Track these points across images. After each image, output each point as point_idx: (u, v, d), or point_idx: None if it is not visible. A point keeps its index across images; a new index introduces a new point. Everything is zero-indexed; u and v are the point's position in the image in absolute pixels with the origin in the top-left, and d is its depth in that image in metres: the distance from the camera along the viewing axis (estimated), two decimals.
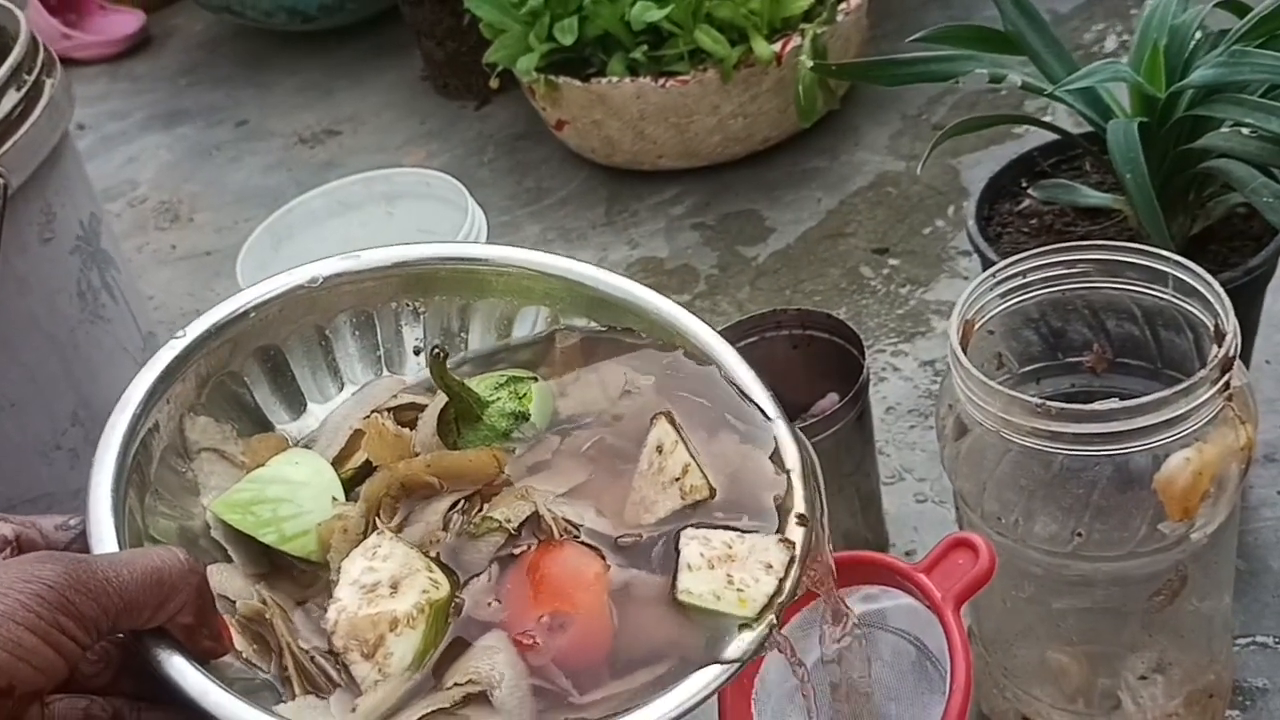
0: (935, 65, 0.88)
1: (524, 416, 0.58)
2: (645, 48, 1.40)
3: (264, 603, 0.50)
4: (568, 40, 1.39)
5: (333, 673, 0.48)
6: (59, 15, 2.17)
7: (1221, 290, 0.68)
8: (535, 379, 0.60)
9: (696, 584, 0.50)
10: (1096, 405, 0.65)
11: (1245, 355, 0.97)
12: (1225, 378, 0.65)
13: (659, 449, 0.55)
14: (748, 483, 0.55)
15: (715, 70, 1.37)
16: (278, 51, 2.04)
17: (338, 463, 0.56)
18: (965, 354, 0.71)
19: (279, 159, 1.78)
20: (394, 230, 1.13)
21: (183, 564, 0.44)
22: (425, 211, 1.14)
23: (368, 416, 0.58)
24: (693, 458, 0.55)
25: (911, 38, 0.91)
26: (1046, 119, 1.30)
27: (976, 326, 0.73)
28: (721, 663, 0.48)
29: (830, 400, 0.96)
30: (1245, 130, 0.82)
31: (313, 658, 0.48)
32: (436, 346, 0.57)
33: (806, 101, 1.32)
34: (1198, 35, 0.88)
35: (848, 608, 0.61)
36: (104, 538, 0.47)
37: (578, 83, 1.42)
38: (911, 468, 1.07)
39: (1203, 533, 0.68)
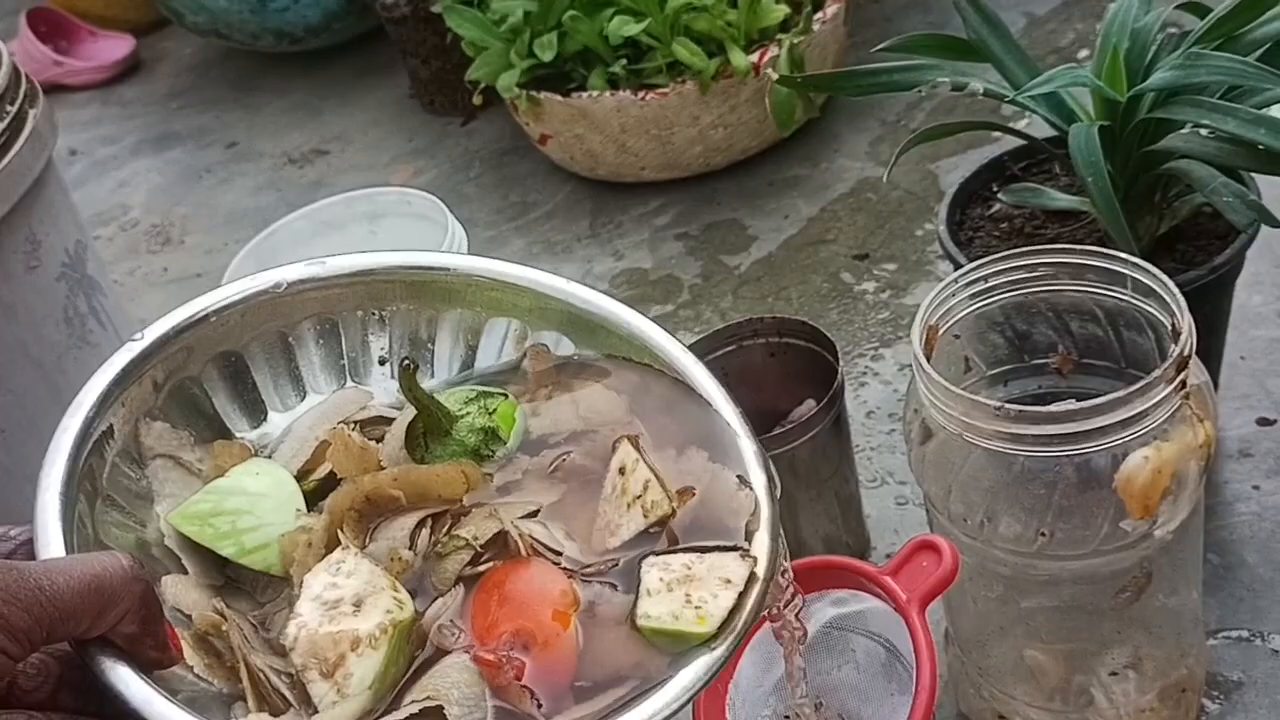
0: (899, 75, 0.89)
1: (493, 432, 0.57)
2: (624, 62, 1.42)
3: (222, 615, 0.49)
4: (547, 56, 1.41)
5: (287, 692, 0.47)
6: (50, 42, 2.19)
7: (1176, 290, 0.69)
8: (505, 395, 0.59)
9: (655, 608, 0.50)
10: (1054, 407, 0.66)
11: (1217, 351, 0.98)
12: (1181, 376, 0.66)
13: (621, 471, 0.55)
14: (714, 502, 0.54)
15: (694, 82, 1.39)
16: (266, 73, 2.06)
17: (301, 474, 0.55)
18: (930, 359, 0.72)
19: (268, 179, 1.79)
20: (377, 249, 1.14)
21: (125, 571, 0.42)
22: (407, 229, 1.15)
23: (334, 428, 0.57)
24: (654, 474, 0.54)
25: (876, 48, 0.92)
26: (1023, 123, 1.32)
27: (941, 331, 0.74)
28: (683, 682, 0.48)
29: (808, 406, 0.97)
30: (1204, 131, 0.83)
31: (267, 676, 0.48)
32: (407, 359, 0.56)
33: (782, 112, 1.34)
34: (1160, 37, 0.89)
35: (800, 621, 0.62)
36: (50, 545, 0.45)
37: (559, 98, 1.43)
38: (893, 471, 1.08)
39: (1165, 530, 0.69)
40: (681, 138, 1.44)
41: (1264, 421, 1.02)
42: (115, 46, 2.22)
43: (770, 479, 0.55)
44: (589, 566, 0.53)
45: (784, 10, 1.41)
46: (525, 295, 0.60)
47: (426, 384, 0.59)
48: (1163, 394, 0.65)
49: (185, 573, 0.51)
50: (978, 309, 0.76)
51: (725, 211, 1.46)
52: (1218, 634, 0.88)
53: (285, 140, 1.88)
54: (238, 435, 0.58)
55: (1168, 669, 0.79)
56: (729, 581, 0.51)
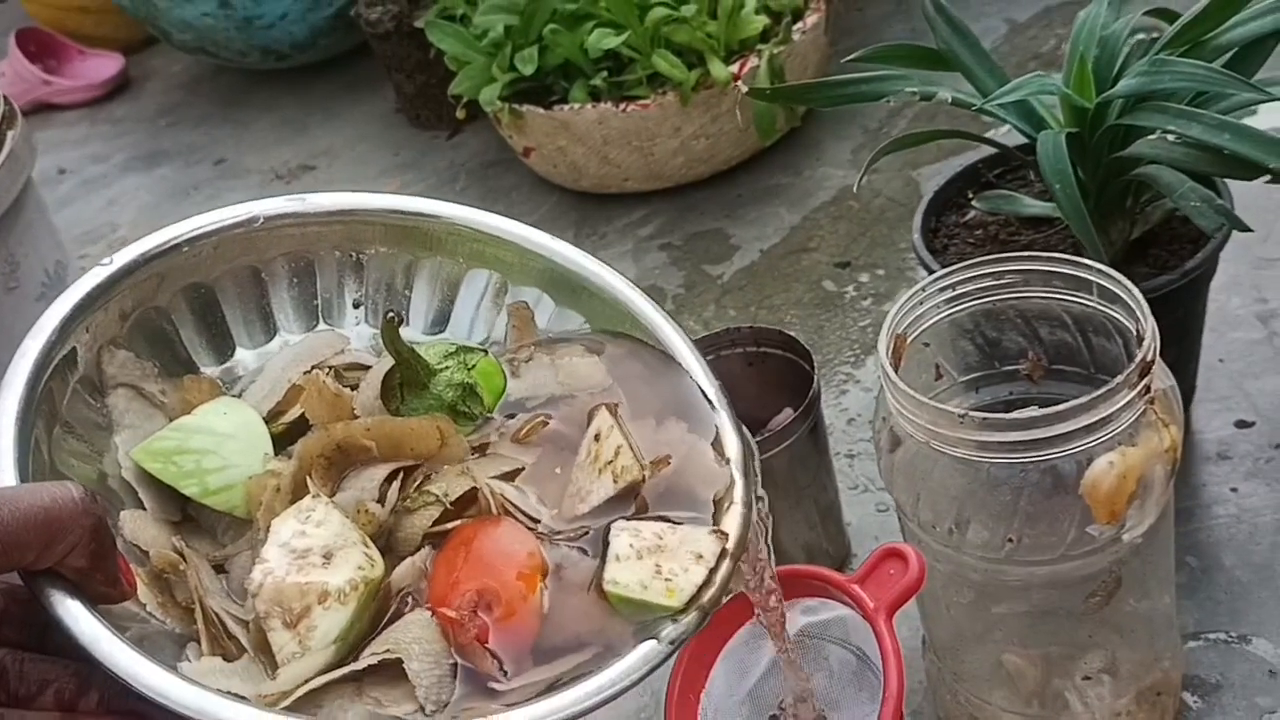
0: (869, 85, 0.90)
1: (471, 389, 0.56)
2: (605, 74, 1.42)
3: (181, 556, 0.48)
4: (529, 70, 1.42)
5: (242, 637, 0.46)
6: (39, 62, 2.20)
7: (1140, 295, 0.69)
8: (485, 352, 0.58)
9: (623, 574, 0.49)
10: (1017, 413, 0.66)
11: (1193, 354, 0.99)
12: (1145, 381, 0.66)
13: (596, 437, 0.54)
14: (689, 473, 0.54)
15: (675, 93, 1.39)
16: (254, 90, 2.07)
17: (271, 416, 0.54)
18: (900, 367, 0.72)
19: (256, 196, 1.79)
20: None
21: (76, 503, 0.41)
22: None
23: (309, 372, 0.55)
24: (627, 441, 0.53)
25: (846, 59, 0.92)
26: (1002, 130, 1.32)
27: (910, 339, 0.75)
28: (644, 651, 0.47)
29: (786, 415, 0.98)
30: (1171, 137, 0.84)
31: (223, 620, 0.46)
32: (391, 311, 0.55)
33: (764, 121, 1.34)
34: (1130, 43, 0.89)
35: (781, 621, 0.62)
36: (4, 471, 0.44)
37: (541, 110, 1.44)
38: (873, 478, 1.08)
39: (1133, 535, 0.69)
40: (663, 149, 1.44)
41: (1242, 424, 1.02)
42: (104, 65, 2.23)
43: (748, 450, 0.54)
44: (559, 533, 0.52)
45: (764, 21, 1.42)
46: (509, 249, 0.60)
47: (402, 331, 0.58)
48: (1126, 399, 0.65)
49: (143, 507, 0.50)
50: (947, 316, 0.76)
51: (708, 221, 1.46)
52: (1197, 636, 0.88)
53: (273, 156, 1.88)
54: (203, 370, 0.56)
55: (1143, 672, 0.79)
56: (700, 557, 0.50)
